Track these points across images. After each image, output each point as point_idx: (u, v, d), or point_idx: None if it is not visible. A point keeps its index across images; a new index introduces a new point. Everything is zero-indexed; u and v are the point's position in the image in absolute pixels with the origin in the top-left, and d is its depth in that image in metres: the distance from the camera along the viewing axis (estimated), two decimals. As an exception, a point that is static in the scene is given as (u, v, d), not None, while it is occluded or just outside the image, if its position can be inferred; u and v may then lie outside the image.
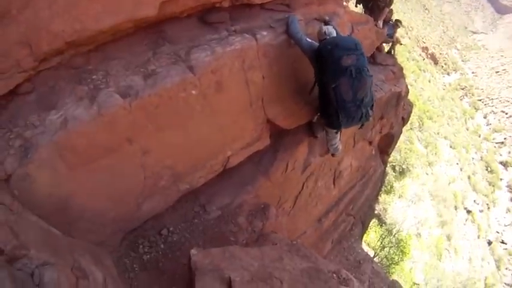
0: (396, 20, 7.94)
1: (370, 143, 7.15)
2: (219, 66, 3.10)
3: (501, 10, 78.86)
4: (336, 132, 4.40)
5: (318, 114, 4.21)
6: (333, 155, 4.93)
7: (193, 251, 2.70)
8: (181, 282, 3.16)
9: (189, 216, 3.74)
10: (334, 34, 3.68)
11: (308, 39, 3.60)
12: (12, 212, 2.04)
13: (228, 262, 2.67)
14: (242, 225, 3.84)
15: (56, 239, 2.26)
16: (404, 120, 8.65)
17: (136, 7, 2.75)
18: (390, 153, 8.99)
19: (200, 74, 2.97)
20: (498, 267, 30.39)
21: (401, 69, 7.72)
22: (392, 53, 8.08)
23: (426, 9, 64.02)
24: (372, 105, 3.60)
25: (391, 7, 7.58)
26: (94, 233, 2.86)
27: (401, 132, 8.89)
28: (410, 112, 8.97)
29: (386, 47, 8.05)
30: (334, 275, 3.21)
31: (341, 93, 3.33)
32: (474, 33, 71.08)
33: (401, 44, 8.14)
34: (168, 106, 2.85)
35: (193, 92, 2.97)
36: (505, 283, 29.51)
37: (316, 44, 3.58)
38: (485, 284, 27.82)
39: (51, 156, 2.39)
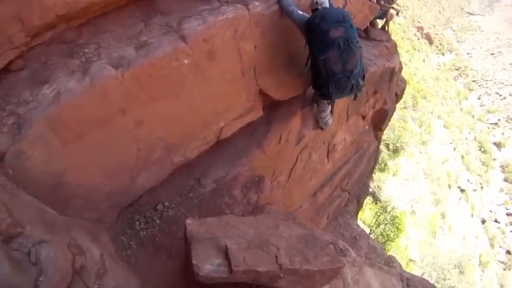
0: (391, -4, 7.89)
1: (364, 117, 7.15)
2: (210, 35, 3.07)
3: (498, -8, 78.58)
4: (328, 103, 4.43)
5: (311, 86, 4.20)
6: (321, 128, 5.02)
7: (188, 221, 2.70)
8: (178, 256, 3.19)
9: (184, 190, 3.76)
10: (327, 3, 3.65)
11: (299, 11, 3.59)
12: (7, 191, 2.02)
13: (223, 230, 2.69)
14: (237, 198, 3.87)
15: (52, 218, 2.24)
16: (398, 97, 8.65)
17: (128, -23, 2.72)
18: (384, 130, 8.99)
19: (192, 43, 2.94)
20: (492, 245, 30.99)
21: (395, 45, 7.69)
22: (386, 29, 8.05)
23: (422, -12, 63.65)
24: (363, 76, 3.61)
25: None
26: (90, 210, 2.87)
27: (394, 109, 8.89)
28: (404, 88, 8.96)
29: (380, 23, 8.01)
30: (331, 246, 3.25)
31: (330, 64, 3.36)
32: (470, 14, 70.89)
33: (397, 14, 8.08)
34: (160, 76, 2.84)
35: (186, 61, 2.95)
36: (499, 260, 30.10)
37: (307, 15, 3.57)
38: (480, 261, 28.37)
39: (44, 131, 2.38)
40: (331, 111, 4.98)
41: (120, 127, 2.80)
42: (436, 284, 5.83)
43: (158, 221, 3.47)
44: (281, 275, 2.49)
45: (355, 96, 3.79)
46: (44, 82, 2.47)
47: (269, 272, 2.45)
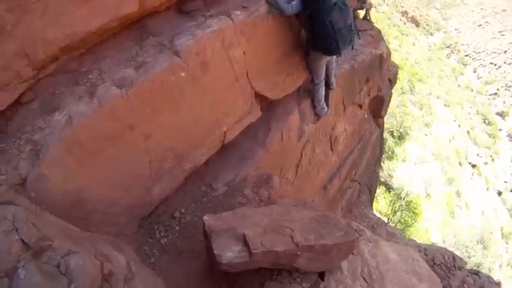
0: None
1: (361, 106, 7.31)
2: (201, 48, 3.28)
3: (476, -36, 78.33)
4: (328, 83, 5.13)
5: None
6: (318, 117, 5.33)
7: (205, 217, 2.86)
8: (200, 257, 3.34)
9: (197, 196, 3.94)
10: None
11: (293, 2, 4.02)
12: (32, 213, 2.09)
13: (239, 221, 2.84)
14: (249, 197, 4.03)
15: (76, 233, 2.35)
16: (392, 82, 8.82)
17: (119, 5, 2.92)
18: (383, 116, 9.14)
19: (186, 57, 3.14)
20: (512, 216, 30.57)
21: (379, 32, 7.86)
22: (368, 18, 8.23)
23: (400, -29, 63.71)
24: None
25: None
26: (110, 224, 3.05)
27: (391, 94, 9.04)
28: (396, 73, 9.12)
29: (361, 14, 8.20)
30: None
31: (335, 23, 4.00)
32: (451, -10, 70.73)
33: (375, 7, 8.27)
34: (161, 90, 3.04)
35: (182, 74, 3.15)
36: (522, 230, 29.72)
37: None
38: (502, 234, 28.03)
39: (61, 153, 2.55)
40: (327, 102, 5.20)
41: (130, 142, 2.99)
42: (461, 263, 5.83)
43: (177, 228, 3.64)
44: (298, 253, 2.65)
45: (352, 47, 4.44)
46: (55, 110, 2.65)
47: (287, 252, 2.60)
